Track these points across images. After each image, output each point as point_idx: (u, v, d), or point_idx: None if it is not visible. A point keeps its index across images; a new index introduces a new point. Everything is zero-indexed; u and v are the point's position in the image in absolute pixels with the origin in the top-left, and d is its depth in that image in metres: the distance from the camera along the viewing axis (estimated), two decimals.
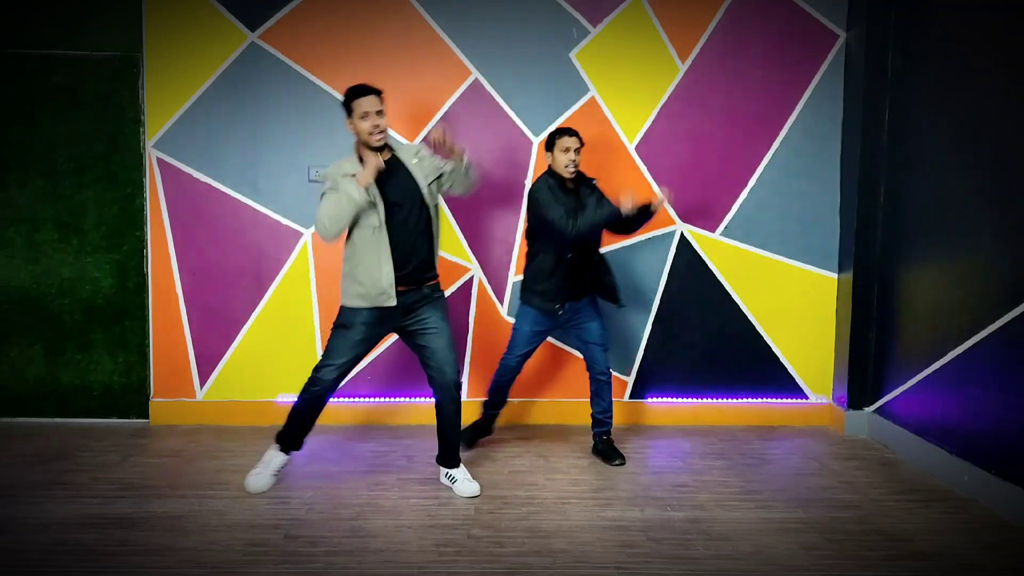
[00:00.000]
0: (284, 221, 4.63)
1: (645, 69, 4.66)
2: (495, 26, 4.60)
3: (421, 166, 3.61)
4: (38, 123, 4.56)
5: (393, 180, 3.51)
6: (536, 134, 4.66)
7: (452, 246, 4.68)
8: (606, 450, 4.12)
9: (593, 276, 4.06)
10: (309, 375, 3.66)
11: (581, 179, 4.04)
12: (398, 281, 3.51)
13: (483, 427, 4.31)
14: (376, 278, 3.49)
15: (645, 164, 4.70)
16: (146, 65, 4.55)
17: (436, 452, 3.80)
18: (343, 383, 3.70)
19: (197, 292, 4.65)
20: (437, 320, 3.63)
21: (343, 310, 3.63)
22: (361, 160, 3.51)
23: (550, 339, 4.71)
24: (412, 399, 4.73)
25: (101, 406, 4.71)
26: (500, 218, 4.70)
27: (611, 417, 4.19)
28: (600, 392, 4.16)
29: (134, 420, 4.72)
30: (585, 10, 4.63)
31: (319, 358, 4.53)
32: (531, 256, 4.04)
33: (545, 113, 4.65)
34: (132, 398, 4.71)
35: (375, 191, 3.45)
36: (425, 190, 3.56)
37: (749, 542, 3.17)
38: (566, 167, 3.90)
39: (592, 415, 4.20)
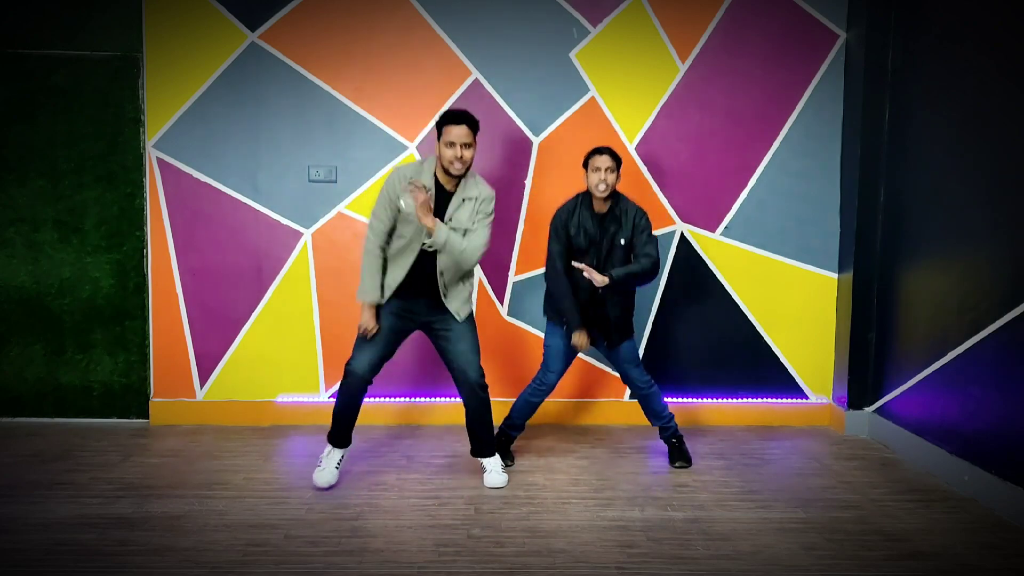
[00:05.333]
0: (284, 221, 4.63)
1: (645, 69, 4.66)
2: (495, 26, 4.60)
3: (463, 208, 3.59)
4: (38, 123, 4.56)
5: (438, 209, 3.58)
6: (536, 134, 4.66)
7: None
8: (671, 450, 4.09)
9: (614, 306, 3.90)
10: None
11: (618, 202, 3.88)
12: (412, 288, 3.61)
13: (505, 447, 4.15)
14: (391, 282, 3.62)
15: (645, 164, 4.70)
16: (146, 65, 4.55)
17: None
18: (376, 375, 3.70)
19: (197, 292, 4.65)
20: (460, 323, 3.69)
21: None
22: (437, 180, 3.59)
23: None
24: (412, 399, 4.73)
25: (101, 406, 4.71)
26: (500, 218, 4.69)
27: (670, 421, 4.09)
28: (648, 401, 4.06)
29: (134, 420, 4.72)
30: (585, 10, 4.63)
31: (319, 358, 4.55)
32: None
33: (545, 113, 4.65)
34: (132, 398, 4.71)
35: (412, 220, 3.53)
36: (441, 223, 3.53)
37: (749, 542, 3.17)
38: (597, 186, 3.80)
39: (651, 423, 4.14)
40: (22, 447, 4.23)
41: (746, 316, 4.79)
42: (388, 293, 3.64)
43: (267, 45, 4.57)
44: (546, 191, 4.63)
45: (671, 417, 4.12)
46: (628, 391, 4.78)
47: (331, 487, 3.69)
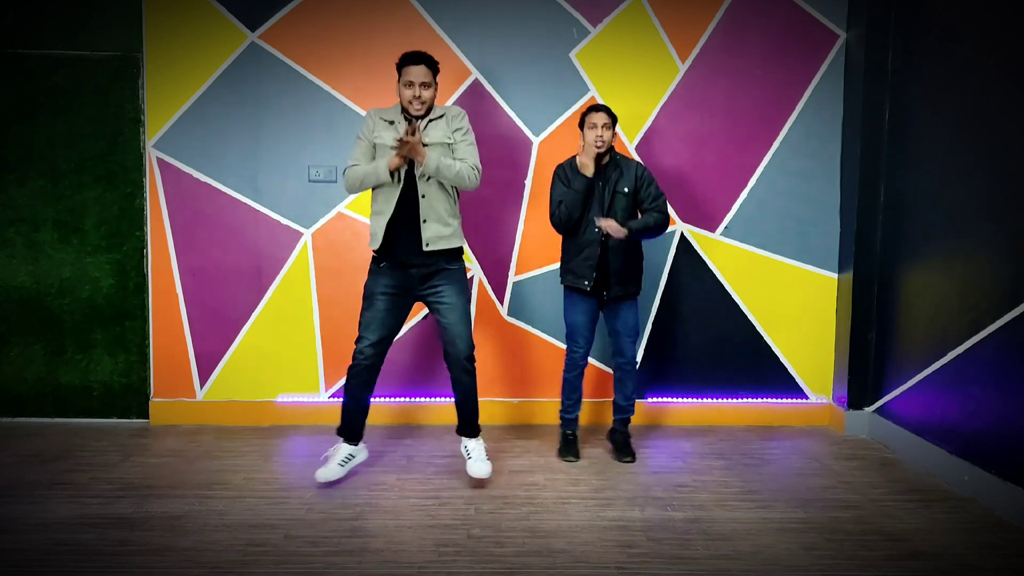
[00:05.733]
0: (284, 221, 4.63)
1: (645, 69, 4.66)
2: (495, 26, 4.60)
3: (434, 126, 3.61)
4: (38, 123, 4.56)
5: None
6: (536, 134, 4.67)
7: None
8: (620, 443, 4.14)
9: (620, 261, 3.99)
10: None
11: (614, 158, 4.02)
12: (401, 255, 3.59)
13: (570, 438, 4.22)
14: (378, 226, 3.61)
15: (645, 164, 4.69)
16: (146, 65, 4.55)
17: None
18: (382, 361, 3.71)
19: (197, 292, 4.65)
20: (452, 295, 3.66)
21: (367, 282, 3.70)
22: (406, 116, 3.61)
23: (549, 339, 4.71)
24: (412, 399, 4.73)
25: (101, 406, 4.71)
26: (500, 218, 4.70)
27: (632, 405, 4.19)
28: (624, 379, 4.15)
29: (134, 420, 4.72)
30: (585, 10, 4.63)
31: (319, 358, 4.54)
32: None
33: (545, 113, 4.66)
34: (132, 398, 4.71)
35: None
36: (429, 153, 3.53)
37: (749, 542, 3.17)
38: (595, 143, 3.90)
39: (614, 402, 4.21)
40: (22, 447, 4.23)
41: (746, 316, 4.79)
42: (378, 241, 3.61)
43: (267, 45, 4.57)
44: (546, 191, 4.63)
45: (633, 405, 4.19)
46: None
47: (332, 484, 3.67)
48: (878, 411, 4.56)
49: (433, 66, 3.61)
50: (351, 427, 3.75)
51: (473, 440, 3.80)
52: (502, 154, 4.66)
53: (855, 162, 4.56)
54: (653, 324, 4.78)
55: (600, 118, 3.91)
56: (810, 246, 4.77)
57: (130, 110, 4.58)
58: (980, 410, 3.66)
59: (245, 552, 3.03)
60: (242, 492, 3.62)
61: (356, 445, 3.78)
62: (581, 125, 4.00)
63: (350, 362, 3.68)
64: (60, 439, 4.37)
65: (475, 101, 4.62)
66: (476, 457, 3.73)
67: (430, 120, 3.63)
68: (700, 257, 4.76)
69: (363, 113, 4.59)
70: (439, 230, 3.61)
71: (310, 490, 3.66)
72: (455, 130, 3.65)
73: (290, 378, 4.71)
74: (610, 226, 3.87)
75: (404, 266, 3.63)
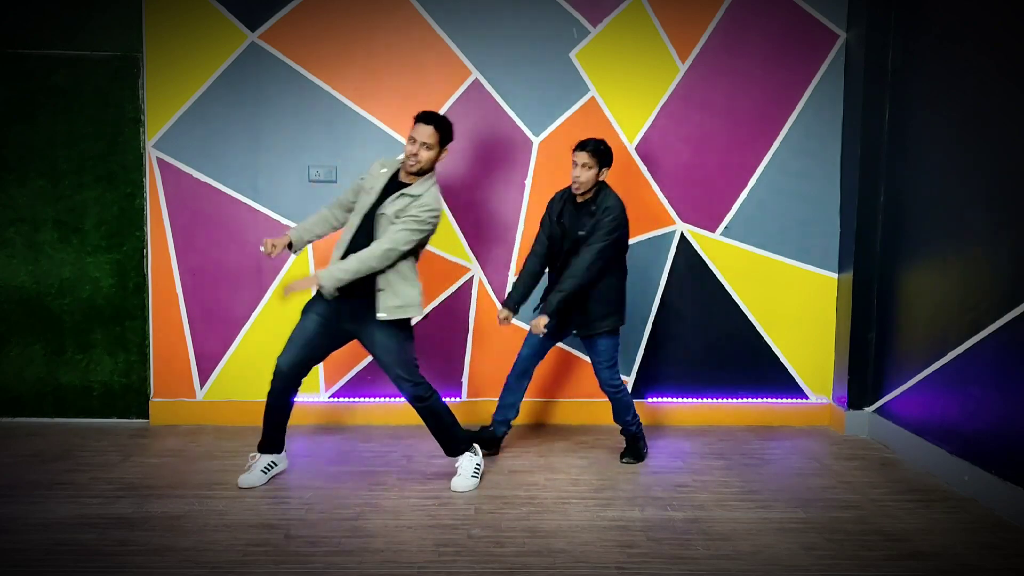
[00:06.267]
0: (284, 221, 4.63)
1: (645, 69, 4.66)
2: (495, 26, 4.60)
3: (398, 200, 3.53)
4: (38, 123, 4.56)
5: (385, 198, 3.57)
6: (536, 134, 4.66)
7: (452, 246, 4.68)
8: (627, 442, 4.12)
9: (577, 299, 3.89)
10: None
11: (597, 197, 3.85)
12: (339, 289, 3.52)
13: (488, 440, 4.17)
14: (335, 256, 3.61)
15: (645, 164, 4.70)
16: (146, 65, 4.54)
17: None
18: (301, 379, 3.70)
19: (197, 292, 4.65)
20: (383, 337, 3.57)
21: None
22: (398, 172, 3.64)
23: None
24: None
25: (101, 406, 4.71)
26: (500, 218, 4.70)
27: (629, 426, 4.09)
28: (613, 405, 4.08)
29: (134, 420, 4.72)
30: (585, 10, 4.63)
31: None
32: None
33: (545, 113, 4.65)
34: (132, 398, 4.71)
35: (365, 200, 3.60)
36: (379, 217, 3.53)
37: (749, 542, 3.17)
38: (572, 183, 3.86)
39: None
40: (22, 447, 4.23)
41: (746, 316, 4.79)
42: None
43: (267, 45, 4.57)
44: (546, 191, 4.62)
45: (628, 425, 4.09)
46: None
47: (253, 488, 3.65)
48: (878, 411, 4.56)
49: (442, 129, 3.57)
50: (268, 436, 3.75)
51: (463, 456, 3.78)
52: (502, 154, 4.65)
53: (855, 162, 4.56)
54: (653, 324, 4.78)
55: (581, 157, 3.78)
56: (810, 246, 4.77)
57: (130, 110, 4.58)
58: (980, 410, 3.66)
59: (245, 552, 3.03)
60: (242, 492, 3.62)
61: (274, 454, 3.79)
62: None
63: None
64: (60, 439, 4.37)
65: (475, 101, 4.62)
66: (462, 473, 3.73)
67: (403, 193, 3.53)
68: (700, 257, 4.76)
69: (363, 113, 4.60)
70: (394, 290, 3.56)
71: (310, 490, 3.66)
72: (409, 215, 3.51)
73: None
74: (536, 327, 3.83)
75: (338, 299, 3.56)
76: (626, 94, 4.66)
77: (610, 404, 4.11)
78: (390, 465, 4.02)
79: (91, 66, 4.55)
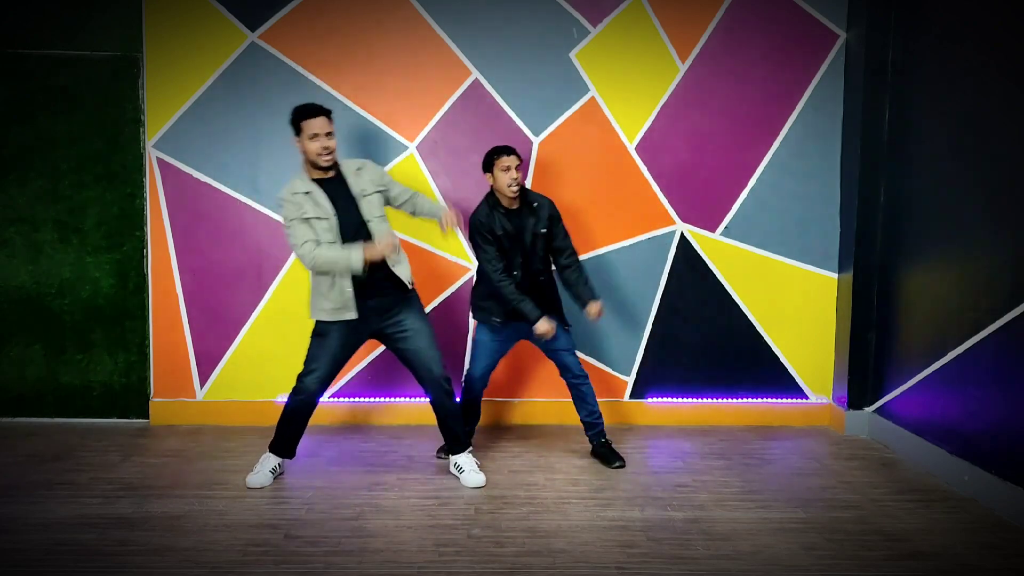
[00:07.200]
0: None
1: (645, 69, 4.66)
2: (495, 26, 4.60)
3: (359, 177, 3.62)
4: (38, 123, 4.56)
5: (340, 197, 3.56)
6: (536, 134, 4.66)
7: (452, 246, 4.69)
8: (604, 452, 4.10)
9: (545, 296, 3.96)
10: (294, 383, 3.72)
11: (525, 198, 3.93)
12: (358, 293, 3.55)
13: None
14: (338, 292, 3.55)
15: (645, 164, 4.70)
16: (146, 65, 4.55)
17: (437, 450, 3.82)
18: (328, 389, 3.74)
19: (197, 292, 4.65)
20: (414, 321, 3.68)
21: (317, 323, 3.67)
22: (315, 180, 3.58)
23: None
24: (412, 399, 4.73)
25: (101, 406, 4.71)
26: None
27: (600, 418, 4.12)
28: (581, 396, 4.09)
29: (134, 420, 4.72)
30: (585, 10, 4.63)
31: None
32: (478, 273, 4.03)
33: (545, 113, 4.65)
34: (132, 398, 4.71)
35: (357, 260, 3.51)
36: (362, 201, 3.58)
37: (749, 542, 3.17)
38: (509, 186, 3.84)
39: (581, 420, 4.15)
40: (22, 447, 4.23)
41: (746, 316, 4.79)
42: (349, 305, 3.56)
43: (267, 45, 4.57)
44: (546, 191, 4.62)
45: (599, 416, 4.12)
46: (627, 392, 4.78)
47: (262, 495, 3.64)
48: (878, 411, 4.56)
49: (330, 114, 3.59)
50: (287, 445, 3.79)
51: (461, 455, 3.80)
52: None
53: (855, 162, 4.56)
54: (653, 324, 4.77)
55: (513, 160, 3.83)
56: (810, 246, 4.77)
57: (130, 110, 4.58)
58: (980, 410, 3.66)
59: (245, 552, 3.03)
60: (242, 492, 3.63)
61: (286, 458, 3.83)
62: (488, 168, 3.88)
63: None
64: (60, 439, 4.37)
65: (475, 101, 4.62)
66: (468, 470, 3.75)
67: (352, 170, 3.61)
68: (700, 257, 4.76)
69: (363, 113, 4.60)
70: (403, 267, 3.67)
71: (310, 490, 3.66)
72: (374, 179, 3.64)
73: (290, 378, 4.66)
74: (551, 330, 3.84)
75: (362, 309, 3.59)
76: (626, 94, 4.66)
77: (576, 398, 4.09)
78: (390, 465, 4.02)
79: (91, 66, 4.55)
